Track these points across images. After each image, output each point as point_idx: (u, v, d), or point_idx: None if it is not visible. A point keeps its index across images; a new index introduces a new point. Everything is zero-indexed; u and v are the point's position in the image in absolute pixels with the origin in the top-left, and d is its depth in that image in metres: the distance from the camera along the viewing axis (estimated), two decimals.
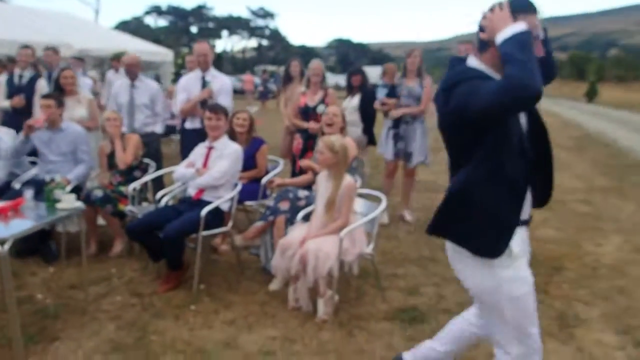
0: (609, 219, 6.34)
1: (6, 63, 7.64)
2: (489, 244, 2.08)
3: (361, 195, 4.30)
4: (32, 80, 6.46)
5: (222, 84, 5.60)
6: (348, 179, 3.85)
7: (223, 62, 53.31)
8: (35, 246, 4.83)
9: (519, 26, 1.90)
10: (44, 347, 3.36)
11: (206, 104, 5.07)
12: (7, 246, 3.10)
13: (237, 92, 29.98)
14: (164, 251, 4.19)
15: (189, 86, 5.60)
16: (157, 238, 4.15)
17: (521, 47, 1.85)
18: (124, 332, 3.55)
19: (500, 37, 1.92)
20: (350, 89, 6.63)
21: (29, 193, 3.97)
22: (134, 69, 6.07)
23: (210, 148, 4.47)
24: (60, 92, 5.67)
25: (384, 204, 4.00)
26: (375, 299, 4.06)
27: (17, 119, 5.91)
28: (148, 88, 6.15)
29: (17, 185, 4.99)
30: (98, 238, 5.11)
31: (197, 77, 5.61)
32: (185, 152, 5.14)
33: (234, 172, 4.44)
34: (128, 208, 4.85)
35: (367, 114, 6.35)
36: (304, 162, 4.72)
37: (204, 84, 5.52)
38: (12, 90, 6.39)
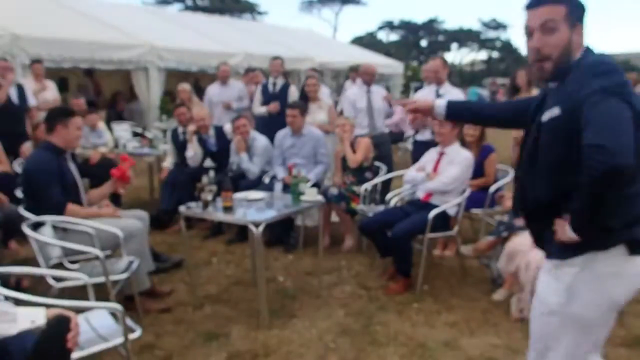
0: None
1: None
2: None
3: None
4: (284, 88, 7.21)
5: (455, 98, 5.64)
6: None
7: (451, 75, 52.69)
8: (279, 236, 5.42)
9: None
10: (284, 322, 3.78)
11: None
12: (260, 228, 3.57)
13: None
14: (392, 249, 4.38)
15: (422, 99, 5.75)
16: (386, 236, 4.37)
17: None
18: (351, 319, 3.82)
19: None
20: None
21: (278, 186, 4.48)
22: (370, 77, 6.52)
23: (441, 154, 4.55)
24: (305, 99, 6.27)
25: None
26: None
27: (272, 123, 6.69)
28: (380, 93, 6.62)
29: (266, 179, 5.65)
30: (331, 233, 5.54)
31: (432, 91, 5.74)
32: (415, 161, 5.30)
33: (463, 178, 4.45)
34: (359, 207, 5.17)
35: None
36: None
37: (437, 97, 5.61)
38: (267, 97, 7.20)
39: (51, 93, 7.68)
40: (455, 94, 5.67)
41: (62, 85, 10.80)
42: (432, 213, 4.18)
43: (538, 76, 1.93)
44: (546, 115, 1.84)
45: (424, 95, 5.82)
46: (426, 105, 2.35)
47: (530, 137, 1.96)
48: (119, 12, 13.17)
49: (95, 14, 11.67)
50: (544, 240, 1.98)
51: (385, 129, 6.66)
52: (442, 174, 4.43)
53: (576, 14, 1.86)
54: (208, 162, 6.14)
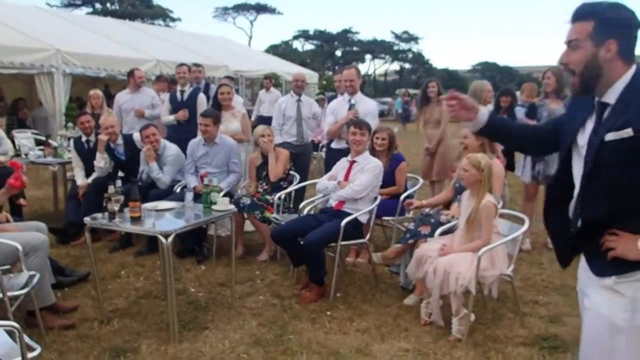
0: None
1: (170, 82, 8.47)
2: None
3: (502, 216, 4.21)
4: (193, 96, 7.07)
5: (368, 107, 5.78)
6: (488, 198, 3.81)
7: (365, 85, 53.73)
8: (191, 247, 5.31)
9: None
10: (195, 335, 3.70)
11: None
12: (170, 239, 3.49)
13: (382, 115, 30.39)
14: (305, 257, 4.41)
15: (336, 109, 5.84)
16: (299, 245, 4.38)
17: None
18: (265, 329, 3.80)
19: None
20: (497, 110, 6.48)
21: (189, 195, 4.38)
22: (300, 86, 6.73)
23: (352, 162, 4.64)
24: (217, 107, 6.19)
25: (526, 225, 3.88)
26: (514, 324, 3.93)
27: (183, 131, 6.58)
28: (309, 103, 6.77)
29: (178, 189, 5.52)
30: (245, 242, 5.50)
31: (345, 100, 5.84)
32: (328, 169, 5.38)
33: (374, 186, 4.56)
34: (273, 215, 5.16)
35: None
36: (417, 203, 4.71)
37: (351, 107, 5.72)
38: (176, 105, 7.03)
39: None
40: (366, 103, 5.80)
41: None
42: (344, 221, 4.25)
43: (572, 90, 1.97)
44: (611, 135, 1.81)
45: (338, 104, 5.91)
46: (471, 106, 2.21)
47: (588, 155, 1.91)
48: (22, 14, 12.51)
49: None
50: (594, 258, 1.97)
51: (309, 138, 6.75)
52: (353, 181, 4.51)
53: (605, 31, 1.85)
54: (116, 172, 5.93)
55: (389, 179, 5.07)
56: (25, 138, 8.12)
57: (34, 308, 3.56)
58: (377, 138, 5.15)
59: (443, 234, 4.13)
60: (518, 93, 7.49)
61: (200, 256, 5.26)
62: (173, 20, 47.79)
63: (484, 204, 3.76)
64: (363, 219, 4.51)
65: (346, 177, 4.61)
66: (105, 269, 4.94)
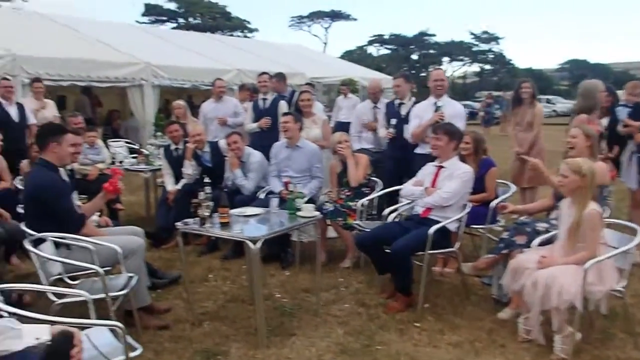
0: None
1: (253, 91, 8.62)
2: None
3: (609, 226, 3.87)
4: (275, 103, 7.15)
5: (455, 109, 5.63)
6: (592, 206, 3.52)
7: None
8: (275, 252, 5.34)
9: None
10: (282, 340, 3.70)
11: None
12: (258, 244, 3.51)
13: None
14: (391, 266, 4.30)
15: (421, 112, 5.71)
16: (383, 252, 4.28)
17: None
18: (352, 338, 3.73)
19: None
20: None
21: (274, 202, 4.40)
22: (375, 93, 6.75)
23: (439, 167, 4.48)
24: (299, 113, 6.22)
25: (639, 236, 3.54)
26: (626, 345, 3.62)
27: (266, 138, 6.63)
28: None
29: (261, 195, 5.58)
30: (328, 249, 5.47)
31: (430, 103, 5.70)
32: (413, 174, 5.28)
33: (463, 193, 4.37)
34: (356, 222, 5.09)
35: (614, 138, 5.75)
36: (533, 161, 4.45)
37: (436, 110, 5.58)
38: (258, 113, 7.14)
39: (50, 111, 7.93)
40: (453, 105, 5.65)
41: (61, 104, 10.87)
42: (433, 229, 4.09)
43: None
44: None
45: (423, 107, 5.76)
46: None
47: None
48: (115, 31, 13.22)
49: (91, 32, 11.75)
50: None
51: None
52: (442, 188, 4.35)
53: None
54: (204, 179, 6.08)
55: (477, 185, 4.84)
56: (119, 147, 8.51)
57: (132, 308, 3.70)
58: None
59: (541, 244, 3.88)
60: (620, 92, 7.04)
61: (285, 262, 5.29)
62: (251, 31, 48.86)
63: (587, 212, 3.47)
64: (452, 227, 4.34)
65: (433, 184, 4.46)
66: (194, 272, 5.05)
